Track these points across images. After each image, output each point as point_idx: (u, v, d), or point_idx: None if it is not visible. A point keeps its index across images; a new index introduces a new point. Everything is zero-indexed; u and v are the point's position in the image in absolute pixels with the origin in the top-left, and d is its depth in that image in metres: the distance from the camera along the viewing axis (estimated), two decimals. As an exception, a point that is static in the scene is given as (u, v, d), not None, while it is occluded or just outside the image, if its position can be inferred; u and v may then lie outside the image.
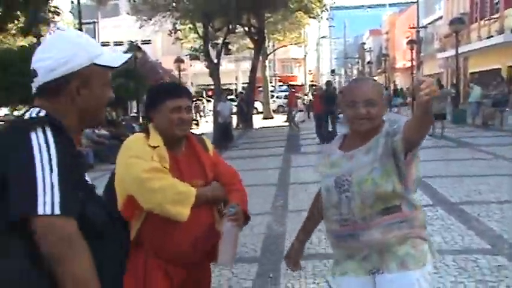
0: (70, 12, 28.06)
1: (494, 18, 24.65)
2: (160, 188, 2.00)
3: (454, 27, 19.93)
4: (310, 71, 60.58)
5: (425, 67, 38.38)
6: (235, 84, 46.34)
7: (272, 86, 39.28)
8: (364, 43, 71.81)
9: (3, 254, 1.25)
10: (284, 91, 36.82)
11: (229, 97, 22.48)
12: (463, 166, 9.14)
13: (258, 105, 31.27)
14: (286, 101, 25.87)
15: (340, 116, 21.09)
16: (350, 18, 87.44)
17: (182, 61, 25.11)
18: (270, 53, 33.52)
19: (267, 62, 31.34)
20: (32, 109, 1.41)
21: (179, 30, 23.46)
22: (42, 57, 1.43)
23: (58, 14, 15.68)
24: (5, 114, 24.14)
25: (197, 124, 23.04)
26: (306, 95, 36.20)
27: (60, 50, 1.42)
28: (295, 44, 36.46)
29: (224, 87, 25.60)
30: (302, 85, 50.58)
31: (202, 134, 2.50)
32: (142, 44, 31.36)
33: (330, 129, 15.07)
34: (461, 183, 7.47)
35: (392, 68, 51.63)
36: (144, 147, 2.09)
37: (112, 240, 1.39)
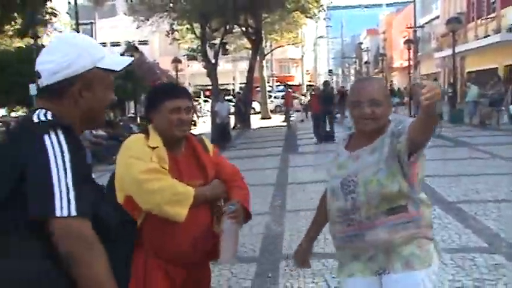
0: (67, 13, 28.02)
1: (491, 18, 24.74)
2: (159, 189, 2.01)
3: (451, 26, 19.97)
4: (307, 71, 60.60)
5: (423, 67, 38.46)
6: (233, 84, 46.34)
7: (270, 86, 39.30)
8: (361, 43, 71.87)
9: (24, 255, 1.28)
10: (281, 91, 36.86)
11: (226, 97, 22.51)
12: (461, 165, 9.17)
13: (255, 105, 31.29)
14: (283, 101, 25.90)
15: (338, 115, 21.22)
16: (347, 18, 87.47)
17: (179, 61, 25.10)
18: (268, 53, 33.52)
19: (264, 62, 31.34)
20: (38, 110, 1.43)
21: (176, 30, 23.45)
22: (46, 59, 1.45)
23: (55, 15, 15.69)
24: (2, 115, 24.11)
25: (195, 124, 23.03)
26: (303, 95, 36.22)
27: (64, 53, 1.44)
28: (293, 44, 36.47)
29: (222, 88, 25.58)
30: (299, 85, 50.60)
31: (200, 134, 2.51)
32: (139, 44, 31.34)
33: (328, 129, 15.08)
34: (459, 182, 7.50)
35: (389, 67, 51.67)
36: (144, 148, 2.11)
37: (123, 242, 1.42)
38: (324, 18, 31.42)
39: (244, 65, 31.85)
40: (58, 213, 1.26)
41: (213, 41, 22.46)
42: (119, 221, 1.44)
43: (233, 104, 23.50)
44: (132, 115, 22.23)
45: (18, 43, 19.04)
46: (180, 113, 2.15)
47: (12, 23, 14.93)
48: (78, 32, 15.87)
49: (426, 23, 38.25)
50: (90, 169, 1.47)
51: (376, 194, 1.96)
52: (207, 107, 29.72)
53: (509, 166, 8.94)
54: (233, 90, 42.74)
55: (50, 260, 1.29)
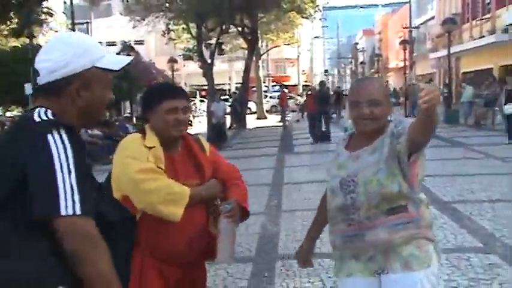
0: (63, 12, 27.93)
1: (486, 19, 24.84)
2: (154, 189, 2.02)
3: (446, 27, 20.05)
4: (303, 71, 60.67)
5: (418, 67, 38.57)
6: (229, 84, 46.33)
7: (265, 86, 39.31)
8: (357, 43, 72.01)
9: (24, 254, 1.30)
10: (277, 91, 36.89)
11: (222, 97, 22.50)
12: (456, 165, 9.21)
13: (251, 105, 31.29)
14: (278, 101, 25.91)
15: (333, 116, 21.24)
16: (343, 18, 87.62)
17: (175, 61, 25.06)
18: (264, 53, 33.55)
19: (260, 62, 31.37)
20: (38, 109, 1.43)
21: (172, 30, 23.45)
22: (44, 58, 1.46)
23: (51, 15, 15.64)
24: (-3, 115, 23.96)
25: (190, 124, 23.01)
26: (299, 95, 36.23)
27: (62, 52, 1.45)
28: (289, 44, 36.50)
29: (218, 88, 25.59)
30: (295, 85, 50.67)
31: (196, 134, 2.51)
32: (135, 44, 31.24)
33: (324, 129, 15.11)
34: (454, 182, 7.54)
35: (385, 68, 51.82)
36: (140, 148, 2.11)
37: (123, 239, 1.43)
38: (320, 19, 31.56)
39: (240, 65, 31.84)
40: (63, 212, 1.28)
41: (209, 41, 22.45)
42: (120, 218, 1.46)
43: (229, 104, 23.51)
44: (128, 115, 22.20)
45: (14, 42, 18.97)
46: (177, 113, 2.15)
47: (8, 22, 14.87)
48: (74, 31, 15.80)
49: (421, 24, 38.36)
50: (90, 168, 1.49)
51: (376, 194, 1.95)
52: (203, 107, 29.68)
53: (504, 166, 8.99)
54: (229, 90, 42.72)
55: (54, 257, 1.30)
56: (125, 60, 1.56)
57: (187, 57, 26.36)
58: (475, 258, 4.27)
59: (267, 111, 31.51)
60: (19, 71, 15.36)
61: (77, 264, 1.30)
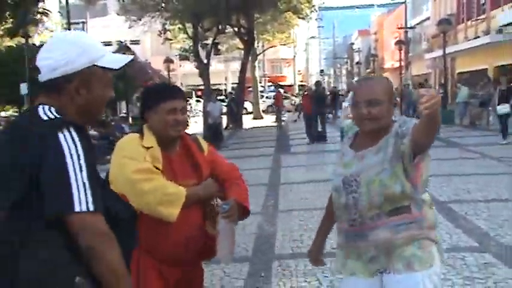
0: (58, 12, 27.83)
1: (481, 19, 24.95)
2: (150, 190, 2.03)
3: (441, 27, 20.13)
4: (299, 71, 60.71)
5: (414, 67, 38.67)
6: (225, 84, 46.31)
7: (262, 86, 39.31)
8: (352, 43, 72.12)
9: (47, 249, 1.33)
10: (273, 91, 36.91)
11: (218, 97, 22.49)
12: (452, 165, 9.25)
13: (247, 105, 31.29)
14: (274, 101, 25.91)
15: (330, 116, 21.27)
16: (339, 19, 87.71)
17: (171, 61, 25.04)
18: (260, 53, 33.55)
19: (256, 62, 31.36)
20: (41, 106, 1.45)
21: (168, 30, 23.39)
22: (46, 56, 1.49)
23: (47, 15, 15.58)
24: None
25: (187, 125, 22.97)
26: (294, 95, 36.25)
27: (62, 51, 1.47)
28: (285, 44, 36.51)
29: (214, 88, 25.57)
30: (291, 85, 50.70)
31: (194, 134, 2.52)
32: (131, 44, 31.26)
33: (320, 129, 15.13)
34: (450, 182, 7.57)
35: (381, 68, 51.91)
36: (137, 148, 2.12)
37: (127, 234, 1.45)
38: (316, 19, 31.45)
39: (236, 65, 31.85)
40: (77, 209, 1.32)
41: (205, 41, 22.45)
42: (129, 215, 1.49)
43: (225, 104, 23.51)
44: (124, 115, 22.16)
45: (9, 42, 18.89)
46: (176, 113, 2.16)
47: (3, 22, 14.82)
48: (69, 31, 15.74)
49: (417, 24, 38.47)
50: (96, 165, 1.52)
51: (378, 195, 1.95)
52: (199, 107, 29.67)
53: (499, 166, 9.05)
54: (225, 90, 42.71)
55: (70, 252, 1.34)
56: (125, 59, 1.58)
57: (183, 57, 26.35)
58: (470, 257, 4.30)
59: (263, 111, 31.52)
60: (14, 70, 15.31)
61: (90, 259, 1.34)
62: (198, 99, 35.85)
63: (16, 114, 19.17)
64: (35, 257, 1.31)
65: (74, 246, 1.34)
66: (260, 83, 37.01)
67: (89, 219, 1.33)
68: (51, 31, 22.91)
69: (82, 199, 1.33)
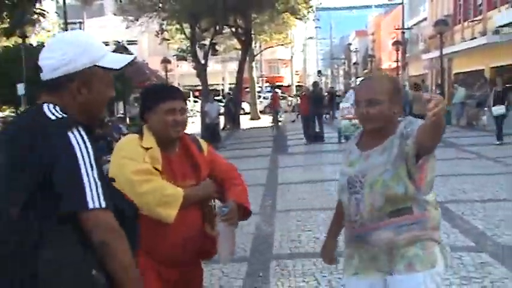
0: (55, 12, 27.78)
1: (477, 20, 25.02)
2: (149, 191, 2.04)
3: (438, 28, 20.17)
4: (297, 71, 60.74)
5: (411, 68, 38.75)
6: (222, 85, 46.30)
7: (259, 87, 39.32)
8: (350, 44, 72.24)
9: (63, 245, 1.35)
10: (270, 92, 36.92)
11: (216, 98, 22.49)
12: (448, 166, 9.28)
13: (245, 106, 31.29)
14: (270, 101, 25.90)
15: (327, 116, 21.28)
16: (336, 19, 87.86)
17: (169, 62, 25.02)
18: (257, 53, 33.57)
19: (253, 62, 31.38)
20: (46, 105, 1.47)
21: (166, 30, 23.39)
22: (47, 56, 1.51)
23: (44, 15, 15.55)
24: (-10, 116, 23.76)
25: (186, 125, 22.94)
26: (291, 96, 36.22)
27: (64, 51, 1.49)
28: (282, 44, 36.53)
29: (211, 88, 25.57)
30: (289, 86, 50.73)
31: (193, 134, 2.53)
32: (128, 44, 31.16)
33: (317, 129, 15.16)
34: (447, 182, 7.60)
35: (378, 68, 51.99)
36: (137, 149, 2.12)
37: (131, 232, 1.47)
38: (313, 19, 31.54)
39: (233, 66, 31.84)
40: (91, 206, 1.36)
41: (203, 42, 22.43)
42: (134, 213, 1.51)
43: (223, 104, 23.50)
44: (121, 115, 22.12)
45: (5, 42, 18.83)
46: (175, 114, 2.17)
47: (0, 22, 14.77)
48: (66, 31, 15.74)
49: (414, 25, 38.55)
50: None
51: (380, 195, 1.95)
52: (196, 107, 29.65)
53: (496, 166, 9.09)
54: (222, 90, 42.70)
55: (84, 247, 1.37)
56: (126, 59, 1.60)
57: (180, 58, 26.30)
58: (467, 257, 4.32)
59: (260, 111, 31.53)
60: (11, 71, 15.26)
61: (103, 254, 1.37)
62: (195, 99, 35.83)
63: (13, 114, 19.11)
64: (51, 254, 1.33)
65: (87, 243, 1.37)
66: (257, 83, 37.03)
67: (102, 216, 1.37)
68: (48, 31, 22.87)
69: (94, 196, 1.36)
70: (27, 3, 13.73)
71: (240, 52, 24.67)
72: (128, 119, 20.66)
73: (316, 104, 15.05)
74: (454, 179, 7.88)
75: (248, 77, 29.52)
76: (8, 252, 1.34)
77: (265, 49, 35.58)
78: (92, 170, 1.38)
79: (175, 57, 27.30)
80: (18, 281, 1.33)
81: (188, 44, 22.85)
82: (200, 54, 21.88)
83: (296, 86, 50.79)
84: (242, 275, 4.29)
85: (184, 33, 22.36)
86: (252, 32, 24.04)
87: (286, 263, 4.44)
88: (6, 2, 13.31)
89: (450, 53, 25.11)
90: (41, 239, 1.34)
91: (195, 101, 34.51)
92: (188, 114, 2.13)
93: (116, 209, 1.42)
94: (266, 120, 26.86)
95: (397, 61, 29.13)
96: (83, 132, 1.41)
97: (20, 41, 15.21)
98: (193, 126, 22.27)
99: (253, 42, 28.12)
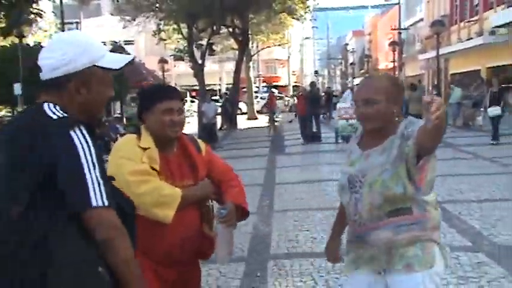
0: (52, 12, 27.72)
1: (474, 21, 25.10)
2: (146, 191, 2.04)
3: (434, 29, 20.22)
4: (293, 71, 60.76)
5: (407, 68, 38.83)
6: (219, 85, 46.29)
7: (256, 87, 39.33)
8: (347, 44, 72.28)
9: (68, 243, 1.37)
10: (267, 92, 36.93)
11: (212, 98, 22.48)
12: (445, 166, 9.30)
13: (242, 105, 31.29)
14: (267, 101, 25.89)
15: (324, 116, 21.29)
16: (333, 20, 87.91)
17: (166, 62, 25.01)
18: (254, 54, 33.56)
19: (251, 62, 31.38)
20: (46, 104, 1.48)
21: (163, 30, 23.36)
22: (47, 56, 1.51)
23: (41, 15, 15.52)
24: (-14, 115, 23.68)
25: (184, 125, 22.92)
26: (288, 96, 36.23)
27: (63, 51, 1.49)
28: (279, 45, 36.55)
29: (208, 88, 25.56)
30: (286, 86, 50.75)
31: (191, 134, 2.54)
32: (125, 44, 31.16)
33: (314, 129, 15.17)
34: (443, 182, 7.62)
35: (375, 69, 52.03)
36: (134, 149, 2.13)
37: (131, 231, 1.48)
38: (310, 20, 31.51)
39: (230, 66, 31.85)
40: (94, 204, 1.38)
41: (200, 42, 22.43)
42: (130, 209, 1.53)
43: (220, 104, 23.49)
44: (118, 115, 22.09)
45: (2, 42, 18.79)
46: (172, 114, 2.17)
47: (-3, 23, 14.75)
48: (63, 31, 15.71)
49: (411, 25, 38.64)
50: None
51: (379, 195, 1.95)
52: (193, 107, 29.63)
53: (492, 166, 9.13)
54: (219, 90, 42.69)
55: (89, 245, 1.38)
56: (125, 59, 1.60)
57: (177, 58, 26.29)
58: (464, 256, 4.34)
59: (257, 111, 31.55)
60: (8, 70, 15.21)
61: (106, 252, 1.38)
62: (192, 99, 35.82)
63: (9, 114, 19.05)
64: (57, 254, 1.34)
65: (92, 241, 1.38)
66: (255, 83, 37.04)
67: (105, 214, 1.39)
68: (45, 31, 22.82)
69: (97, 195, 1.38)
70: (24, 3, 13.72)
71: (237, 52, 24.66)
72: (124, 119, 20.63)
73: (313, 104, 15.06)
74: (451, 179, 7.90)
75: (245, 77, 29.53)
76: (8, 252, 1.34)
77: (262, 49, 35.59)
78: (95, 168, 1.39)
79: (172, 57, 27.29)
80: (18, 281, 1.33)
81: (185, 44, 22.84)
82: (197, 54, 21.87)
83: (293, 86, 50.85)
84: (240, 275, 4.29)
85: (182, 33, 22.34)
86: (249, 32, 24.02)
87: (283, 263, 4.45)
88: (3, 1, 13.30)
89: (447, 53, 25.19)
90: (45, 239, 1.34)
91: (192, 101, 34.49)
92: (185, 114, 2.14)
93: (117, 206, 1.44)
94: (263, 120, 26.88)
95: (393, 61, 29.20)
96: (84, 131, 1.42)
97: (16, 40, 15.17)
98: (190, 126, 22.28)
99: (250, 43, 28.13)
